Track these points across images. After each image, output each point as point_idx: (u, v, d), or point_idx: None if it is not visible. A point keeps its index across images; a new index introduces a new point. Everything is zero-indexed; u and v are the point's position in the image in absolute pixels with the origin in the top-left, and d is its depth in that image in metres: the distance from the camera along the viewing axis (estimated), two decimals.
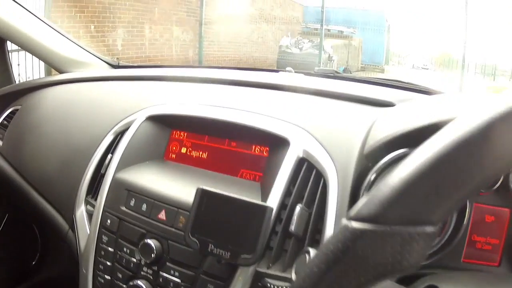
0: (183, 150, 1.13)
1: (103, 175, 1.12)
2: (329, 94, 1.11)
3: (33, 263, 1.74)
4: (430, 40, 18.23)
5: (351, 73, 13.46)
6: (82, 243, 1.11)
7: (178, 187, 1.00)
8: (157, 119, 1.15)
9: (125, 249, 1.00)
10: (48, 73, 5.57)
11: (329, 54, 12.38)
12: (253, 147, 1.03)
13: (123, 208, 1.02)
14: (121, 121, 1.20)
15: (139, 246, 0.95)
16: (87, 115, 1.33)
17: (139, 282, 0.95)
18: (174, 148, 1.14)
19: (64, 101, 1.48)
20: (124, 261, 1.00)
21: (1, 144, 1.54)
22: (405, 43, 19.99)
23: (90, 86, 1.50)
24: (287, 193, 0.88)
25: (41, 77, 5.63)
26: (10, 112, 1.59)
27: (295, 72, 1.44)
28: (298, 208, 0.84)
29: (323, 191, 0.86)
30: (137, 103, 1.23)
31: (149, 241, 0.94)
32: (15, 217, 1.71)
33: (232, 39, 11.64)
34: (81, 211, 1.15)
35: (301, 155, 0.91)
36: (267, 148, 1.01)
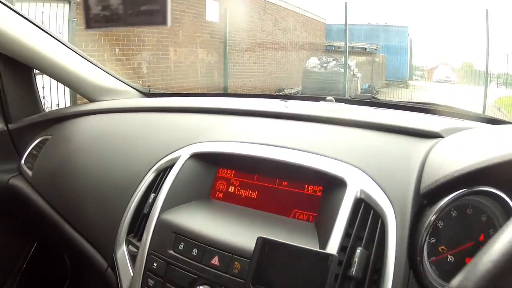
0: (231, 189, 1.08)
1: (146, 215, 1.07)
2: (376, 126, 1.10)
3: None
4: (452, 52, 18.09)
5: (375, 89, 13.45)
6: (125, 284, 1.06)
7: (231, 230, 0.95)
8: (202, 156, 1.11)
9: None
10: (73, 95, 5.59)
11: (354, 72, 12.29)
12: (306, 186, 0.99)
13: (171, 252, 0.97)
14: (162, 158, 1.16)
15: None
16: (124, 149, 1.29)
17: None
18: (221, 186, 1.10)
19: (98, 132, 1.44)
20: None
21: (30, 174, 1.49)
22: (428, 56, 19.91)
23: (124, 117, 1.46)
24: (346, 235, 0.84)
25: (67, 102, 5.64)
26: (39, 142, 1.55)
27: (335, 99, 1.43)
28: (358, 251, 0.81)
29: (381, 232, 0.83)
30: (178, 139, 1.19)
31: (202, 287, 0.90)
32: (45, 245, 1.67)
33: (256, 59, 11.66)
34: (122, 251, 1.10)
35: (358, 196, 0.88)
36: (321, 188, 0.98)
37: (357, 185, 0.88)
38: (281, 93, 10.34)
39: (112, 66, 6.87)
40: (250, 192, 1.06)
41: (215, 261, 0.90)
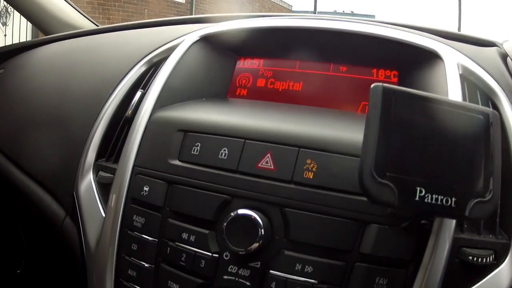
0: (260, 82, 0.76)
1: (128, 121, 0.69)
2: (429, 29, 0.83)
3: (18, 271, 1.37)
4: None
5: None
6: (92, 234, 0.67)
7: (282, 118, 0.63)
8: (215, 41, 0.78)
9: (185, 236, 0.57)
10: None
11: None
12: (375, 71, 0.74)
13: (176, 162, 0.60)
14: (157, 48, 0.80)
15: (225, 225, 0.53)
16: (97, 58, 0.93)
17: None
18: (244, 81, 0.77)
19: (62, 52, 1.08)
20: (184, 258, 0.56)
21: None
22: None
23: (95, 36, 1.10)
24: None
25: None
26: None
27: None
28: None
29: None
30: (178, 29, 0.85)
31: (244, 212, 0.53)
32: None
33: None
34: (88, 182, 0.70)
35: (461, 72, 0.65)
36: (395, 72, 0.73)
37: (454, 59, 0.66)
38: None
39: None
40: (290, 83, 0.74)
41: (267, 163, 0.55)
